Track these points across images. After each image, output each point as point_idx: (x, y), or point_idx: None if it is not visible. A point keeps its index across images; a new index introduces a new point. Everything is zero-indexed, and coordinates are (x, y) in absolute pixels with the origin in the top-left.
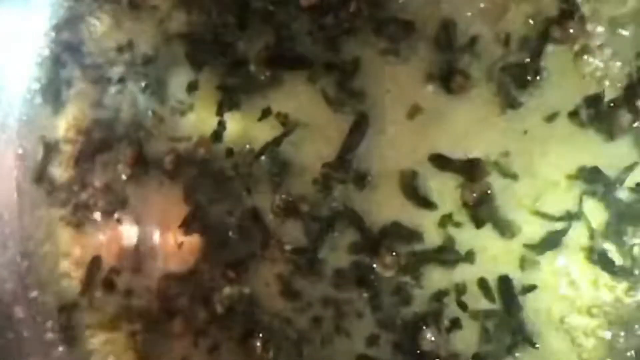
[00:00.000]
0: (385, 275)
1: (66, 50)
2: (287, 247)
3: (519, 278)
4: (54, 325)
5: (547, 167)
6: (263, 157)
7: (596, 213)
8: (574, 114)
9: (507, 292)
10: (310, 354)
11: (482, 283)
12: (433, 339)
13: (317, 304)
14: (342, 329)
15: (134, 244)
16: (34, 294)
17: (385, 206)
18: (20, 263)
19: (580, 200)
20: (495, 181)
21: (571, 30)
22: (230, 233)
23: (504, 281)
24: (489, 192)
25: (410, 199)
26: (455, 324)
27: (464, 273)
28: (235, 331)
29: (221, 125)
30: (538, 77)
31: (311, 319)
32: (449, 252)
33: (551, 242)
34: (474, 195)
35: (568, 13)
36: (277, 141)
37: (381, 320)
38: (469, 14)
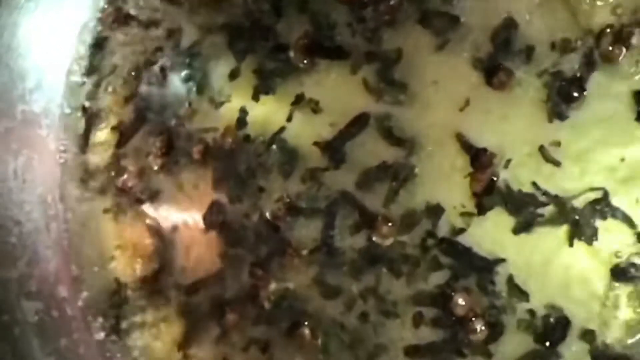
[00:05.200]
0: (385, 244)
1: (109, 36)
2: (304, 252)
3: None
4: (96, 305)
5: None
6: (274, 147)
7: None
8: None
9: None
10: (358, 338)
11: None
12: (464, 302)
13: (355, 294)
14: (383, 311)
15: (168, 234)
16: (76, 273)
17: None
18: (64, 244)
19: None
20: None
21: (617, 51)
22: (250, 233)
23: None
24: (494, 179)
25: (386, 138)
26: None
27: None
28: (283, 324)
29: (243, 111)
30: (585, 92)
31: (350, 308)
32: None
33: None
34: (481, 184)
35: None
36: (282, 130)
37: (415, 297)
38: (527, 17)
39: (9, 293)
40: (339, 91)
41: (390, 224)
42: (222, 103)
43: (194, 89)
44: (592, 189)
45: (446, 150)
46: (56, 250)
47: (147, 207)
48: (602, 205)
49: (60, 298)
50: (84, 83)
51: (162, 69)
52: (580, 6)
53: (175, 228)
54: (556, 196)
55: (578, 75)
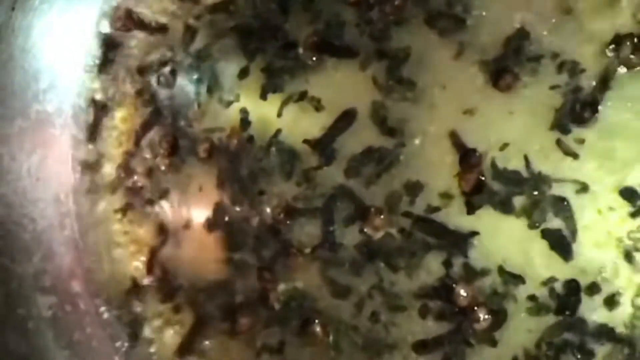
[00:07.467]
0: (377, 237)
1: (121, 37)
2: (307, 251)
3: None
4: (108, 300)
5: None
6: (273, 149)
7: None
8: None
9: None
10: (371, 339)
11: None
12: (466, 293)
13: (362, 291)
14: (391, 306)
15: (176, 233)
16: (89, 269)
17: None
18: (77, 240)
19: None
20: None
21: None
22: (252, 236)
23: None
24: (482, 178)
25: (378, 126)
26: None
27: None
28: (294, 323)
29: (246, 112)
30: (596, 115)
31: (360, 309)
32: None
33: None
34: (470, 184)
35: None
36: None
37: (419, 289)
38: (544, 31)
39: (24, 288)
40: (344, 89)
41: (381, 216)
42: (230, 102)
43: (204, 90)
44: (576, 182)
45: (438, 145)
46: (69, 246)
47: (156, 207)
48: (563, 204)
49: (73, 293)
50: (96, 83)
51: (173, 71)
52: (591, 23)
53: (182, 227)
54: (539, 173)
55: (592, 95)
